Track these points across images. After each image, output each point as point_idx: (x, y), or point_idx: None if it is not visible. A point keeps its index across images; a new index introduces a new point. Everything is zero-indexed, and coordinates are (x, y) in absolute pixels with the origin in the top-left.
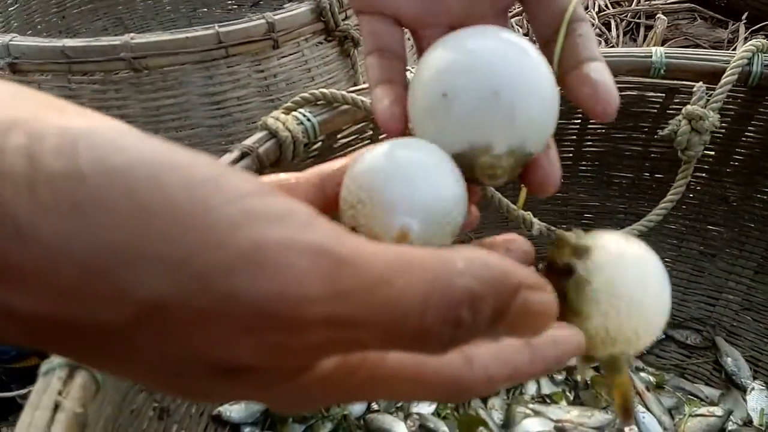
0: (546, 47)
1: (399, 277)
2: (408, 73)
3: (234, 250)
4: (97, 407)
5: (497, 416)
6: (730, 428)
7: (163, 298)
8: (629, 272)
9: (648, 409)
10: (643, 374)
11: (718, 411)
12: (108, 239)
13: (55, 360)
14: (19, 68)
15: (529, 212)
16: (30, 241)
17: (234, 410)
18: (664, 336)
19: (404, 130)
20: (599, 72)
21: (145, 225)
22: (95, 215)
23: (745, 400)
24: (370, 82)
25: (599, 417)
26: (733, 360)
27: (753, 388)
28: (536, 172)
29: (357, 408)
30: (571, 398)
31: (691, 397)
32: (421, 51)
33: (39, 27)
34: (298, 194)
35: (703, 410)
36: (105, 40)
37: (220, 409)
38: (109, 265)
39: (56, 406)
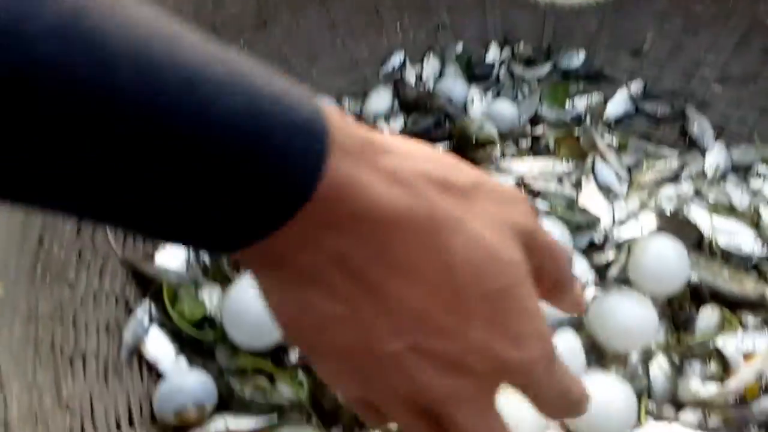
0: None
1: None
2: None
3: None
4: None
5: None
6: (684, 176)
7: None
8: None
9: (606, 161)
10: (607, 135)
11: (674, 162)
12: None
13: None
14: None
15: None
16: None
17: None
18: (634, 110)
19: None
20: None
21: None
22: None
23: (704, 157)
24: None
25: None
26: (699, 125)
27: (713, 148)
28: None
29: None
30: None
31: (652, 157)
32: None
33: None
34: None
35: (660, 162)
36: None
37: None
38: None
39: None
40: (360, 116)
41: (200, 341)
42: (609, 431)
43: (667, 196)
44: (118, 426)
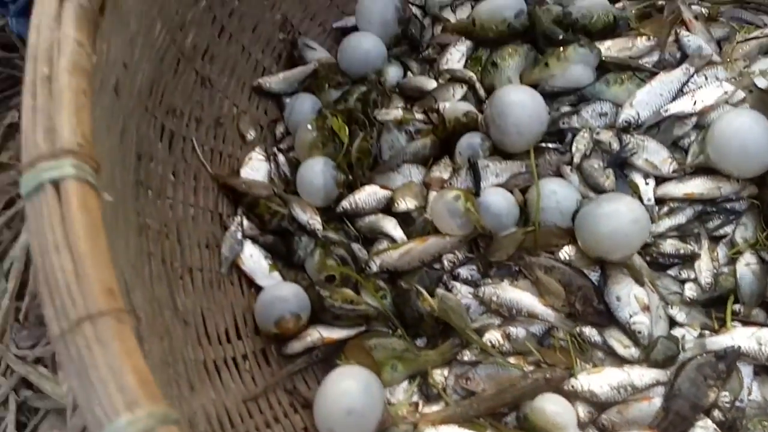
0: None
1: None
2: None
3: None
4: (116, 24)
5: None
6: None
7: None
8: None
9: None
10: (695, 6)
11: None
12: None
13: None
14: None
15: None
16: None
17: (273, 81)
18: None
19: None
20: None
21: None
22: None
23: None
24: None
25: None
26: None
27: None
28: None
29: (393, 75)
30: None
31: (748, 26)
32: None
33: None
34: None
35: (755, 33)
36: None
37: (260, 80)
38: None
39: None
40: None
41: (291, 254)
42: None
43: (761, 70)
44: (228, 338)
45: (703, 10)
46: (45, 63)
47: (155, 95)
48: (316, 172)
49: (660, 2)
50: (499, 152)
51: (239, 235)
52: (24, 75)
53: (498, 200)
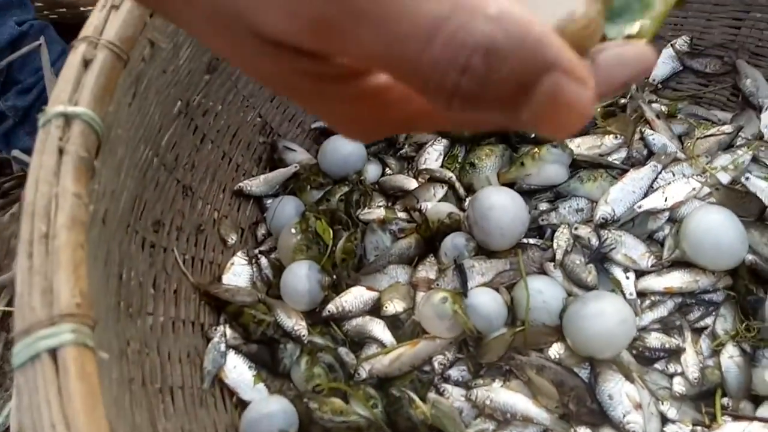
0: None
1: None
2: None
3: None
4: (108, 164)
5: None
6: (738, 143)
7: None
8: None
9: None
10: (655, 105)
11: (727, 129)
12: None
13: (51, 110)
14: None
15: None
16: None
17: (254, 184)
18: (681, 67)
19: None
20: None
21: None
22: None
23: (759, 118)
24: None
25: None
26: (753, 80)
27: None
28: None
29: (372, 173)
30: None
31: (704, 122)
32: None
33: None
34: None
35: (712, 130)
36: None
37: (241, 184)
38: None
39: (60, 151)
40: None
41: (276, 363)
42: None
43: (723, 166)
44: None
45: (663, 108)
46: (43, 220)
47: (137, 210)
48: (301, 276)
49: (622, 101)
50: (483, 251)
51: (222, 347)
52: (20, 233)
53: (486, 301)
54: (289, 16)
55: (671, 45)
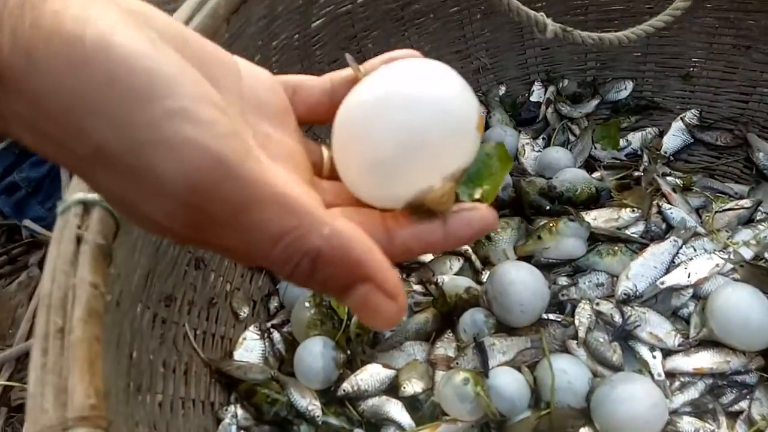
0: None
1: (272, 208)
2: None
3: (156, 134)
4: (124, 244)
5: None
6: (758, 218)
7: (105, 144)
8: None
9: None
10: (669, 178)
11: (746, 203)
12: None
13: (70, 198)
14: None
15: (542, 13)
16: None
17: None
18: (692, 140)
19: None
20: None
21: (108, 90)
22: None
23: None
24: None
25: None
26: (765, 154)
27: None
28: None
29: None
30: None
31: (720, 195)
32: None
33: None
34: (306, 93)
35: (731, 204)
36: None
37: None
38: (78, 112)
39: (78, 240)
40: None
41: None
42: None
43: (744, 241)
44: None
45: (678, 181)
46: (59, 313)
47: (149, 286)
48: (315, 354)
49: (636, 173)
50: (503, 327)
51: (234, 429)
52: (35, 326)
53: (509, 382)
54: (167, 216)
55: (681, 118)
